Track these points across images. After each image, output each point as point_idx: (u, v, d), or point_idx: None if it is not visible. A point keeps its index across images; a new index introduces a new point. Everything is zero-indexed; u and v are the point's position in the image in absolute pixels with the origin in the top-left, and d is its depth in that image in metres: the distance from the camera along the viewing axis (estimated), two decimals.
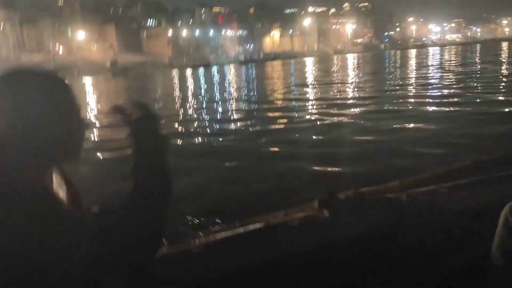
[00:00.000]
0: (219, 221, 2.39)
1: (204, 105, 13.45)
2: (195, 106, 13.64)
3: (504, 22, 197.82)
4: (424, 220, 1.90)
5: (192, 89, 21.09)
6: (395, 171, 4.87)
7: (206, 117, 11.11)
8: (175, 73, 49.36)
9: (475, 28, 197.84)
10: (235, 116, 10.12)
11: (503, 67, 17.57)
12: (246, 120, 9.77)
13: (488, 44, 75.31)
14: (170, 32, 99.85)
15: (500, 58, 23.54)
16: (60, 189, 1.09)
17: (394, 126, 8.04)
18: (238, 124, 9.59)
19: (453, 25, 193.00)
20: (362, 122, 8.65)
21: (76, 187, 1.16)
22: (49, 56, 73.33)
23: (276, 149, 7.02)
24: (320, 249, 1.87)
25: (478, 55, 32.35)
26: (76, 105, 1.05)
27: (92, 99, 20.16)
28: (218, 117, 10.78)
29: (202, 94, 17.47)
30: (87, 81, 39.55)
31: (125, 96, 21.41)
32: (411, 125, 8.10)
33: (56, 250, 0.82)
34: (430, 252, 1.88)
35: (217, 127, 9.80)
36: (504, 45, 63.35)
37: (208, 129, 9.67)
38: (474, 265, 1.68)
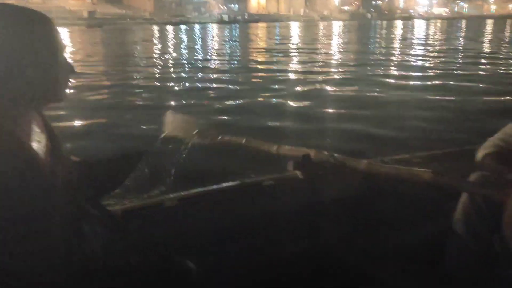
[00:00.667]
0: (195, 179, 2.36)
1: (173, 67, 12.80)
2: (161, 66, 12.99)
3: None
4: (396, 189, 1.94)
5: (167, 47, 20.22)
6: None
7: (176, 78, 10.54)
8: (154, 29, 47.65)
9: (461, 3, 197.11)
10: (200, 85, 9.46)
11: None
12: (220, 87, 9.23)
13: (474, 21, 75.37)
14: None
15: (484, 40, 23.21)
16: (39, 137, 0.97)
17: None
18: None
19: None
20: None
21: (57, 135, 1.07)
22: (21, 2, 69.72)
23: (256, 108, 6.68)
24: (293, 210, 1.90)
25: (462, 33, 31.96)
26: (60, 44, 0.97)
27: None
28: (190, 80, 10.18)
29: (174, 54, 16.67)
30: (61, 32, 37.81)
31: (97, 50, 20.49)
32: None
33: (31, 202, 0.81)
34: (400, 220, 1.96)
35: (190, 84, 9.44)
36: (490, 22, 63.45)
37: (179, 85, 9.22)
38: (440, 234, 1.73)
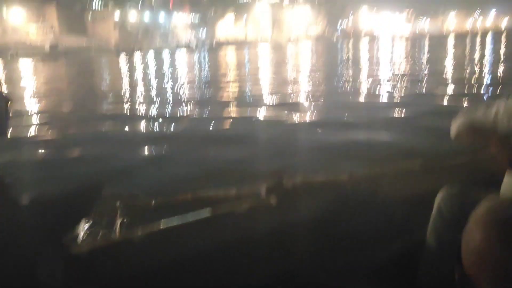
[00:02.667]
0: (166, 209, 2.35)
1: (137, 95, 11.94)
2: (125, 95, 12.07)
3: (450, 16, 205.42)
4: (368, 206, 2.03)
5: (132, 76, 19.12)
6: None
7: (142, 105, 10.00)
8: (119, 58, 46.52)
9: (423, 20, 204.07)
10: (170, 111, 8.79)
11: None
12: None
13: (436, 38, 78.23)
14: (117, 15, 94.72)
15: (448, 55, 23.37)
16: None
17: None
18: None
19: (403, 17, 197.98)
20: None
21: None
22: None
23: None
24: (268, 236, 1.93)
25: (426, 50, 32.44)
26: None
27: (18, 84, 18.04)
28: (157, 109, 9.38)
29: (140, 82, 15.58)
30: (22, 65, 36.53)
31: (52, 81, 19.28)
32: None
33: None
34: (372, 236, 1.98)
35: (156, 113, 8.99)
36: (451, 39, 65.69)
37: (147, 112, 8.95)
38: (412, 251, 1.72)
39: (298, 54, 41.04)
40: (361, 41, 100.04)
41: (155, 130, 7.30)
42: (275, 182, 1.98)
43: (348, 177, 2.21)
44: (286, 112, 8.13)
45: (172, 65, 28.60)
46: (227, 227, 1.95)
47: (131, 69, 26.56)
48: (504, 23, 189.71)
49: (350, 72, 17.45)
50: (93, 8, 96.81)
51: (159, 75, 20.15)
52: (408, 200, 2.01)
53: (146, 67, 27.90)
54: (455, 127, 1.68)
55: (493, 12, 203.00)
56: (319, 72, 18.13)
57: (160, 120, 8.07)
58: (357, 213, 2.01)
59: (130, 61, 40.07)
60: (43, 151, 5.86)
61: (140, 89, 13.61)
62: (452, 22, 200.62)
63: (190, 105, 9.84)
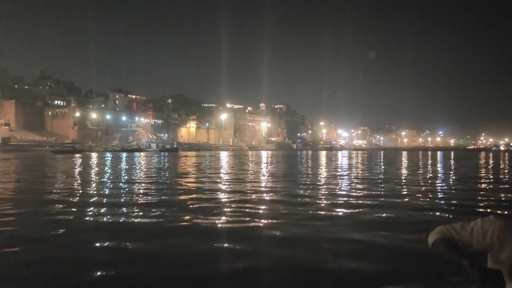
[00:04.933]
0: None
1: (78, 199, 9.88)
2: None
3: (403, 133, 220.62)
4: None
5: (81, 177, 17.04)
6: None
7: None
8: (74, 157, 44.35)
9: (378, 136, 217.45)
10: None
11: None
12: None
13: (390, 152, 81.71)
14: (77, 113, 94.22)
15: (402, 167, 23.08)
16: None
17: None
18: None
19: (359, 132, 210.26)
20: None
21: None
22: None
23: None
24: None
25: (381, 162, 32.62)
26: None
27: None
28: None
29: (86, 186, 13.55)
30: None
31: None
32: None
33: None
34: None
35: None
36: (404, 153, 68.31)
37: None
38: None
39: (259, 158, 40.68)
40: (320, 150, 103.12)
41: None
42: None
43: None
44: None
45: (116, 166, 26.89)
46: None
47: (74, 168, 24.62)
48: (451, 142, 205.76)
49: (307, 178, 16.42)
50: (55, 105, 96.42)
51: (101, 176, 18.44)
52: None
53: (92, 166, 26.09)
54: (433, 237, 1.77)
55: (440, 133, 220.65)
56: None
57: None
58: None
59: (82, 159, 38.14)
60: None
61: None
62: (404, 138, 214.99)
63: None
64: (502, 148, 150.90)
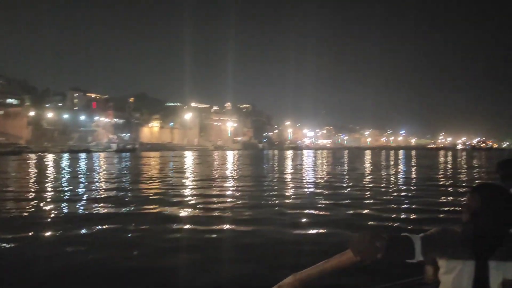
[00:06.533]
0: None
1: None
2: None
3: (366, 132, 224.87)
4: None
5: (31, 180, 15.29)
6: None
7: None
8: (27, 158, 41.66)
9: (343, 135, 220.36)
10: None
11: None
12: None
13: (353, 151, 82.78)
14: (32, 113, 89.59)
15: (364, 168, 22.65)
16: None
17: None
18: None
19: (324, 131, 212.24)
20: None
21: None
22: None
23: None
24: None
25: (345, 161, 32.28)
26: None
27: None
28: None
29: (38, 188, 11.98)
30: None
31: None
32: None
33: None
34: None
35: None
36: (367, 153, 69.17)
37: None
38: None
39: (224, 159, 39.59)
40: (285, 150, 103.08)
41: None
42: None
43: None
44: None
45: (71, 169, 25.01)
46: None
47: (26, 170, 22.66)
48: (413, 141, 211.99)
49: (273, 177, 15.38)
50: (6, 104, 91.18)
51: (52, 178, 16.70)
52: None
53: (45, 168, 24.14)
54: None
55: (402, 132, 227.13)
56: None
57: None
58: None
59: (36, 160, 35.72)
60: None
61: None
62: (367, 138, 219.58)
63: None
64: (459, 147, 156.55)
